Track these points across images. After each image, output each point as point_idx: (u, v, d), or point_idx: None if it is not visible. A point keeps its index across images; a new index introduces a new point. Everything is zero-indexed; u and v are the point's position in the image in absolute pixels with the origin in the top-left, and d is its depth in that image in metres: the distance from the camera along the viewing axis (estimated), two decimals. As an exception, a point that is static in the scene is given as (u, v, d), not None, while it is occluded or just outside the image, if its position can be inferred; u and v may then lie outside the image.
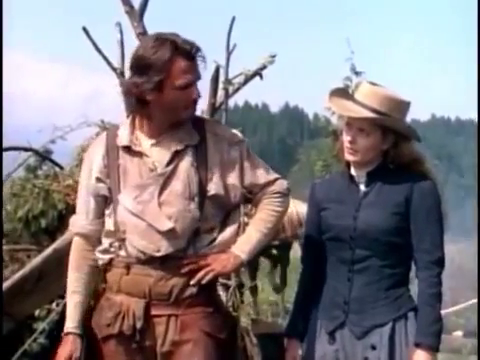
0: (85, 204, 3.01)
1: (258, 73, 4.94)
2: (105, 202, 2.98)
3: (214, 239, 2.96)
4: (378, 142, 3.01)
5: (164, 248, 2.88)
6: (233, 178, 2.98)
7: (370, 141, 3.00)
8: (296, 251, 9.76)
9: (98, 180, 2.97)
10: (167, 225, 2.87)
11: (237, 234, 3.02)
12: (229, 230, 2.99)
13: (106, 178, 2.96)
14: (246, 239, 3.01)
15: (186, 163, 2.92)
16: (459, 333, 9.39)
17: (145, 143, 2.95)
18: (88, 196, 3.00)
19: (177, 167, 2.92)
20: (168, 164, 2.92)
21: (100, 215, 2.99)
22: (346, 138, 3.02)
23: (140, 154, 2.94)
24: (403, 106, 3.05)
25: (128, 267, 2.92)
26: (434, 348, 2.93)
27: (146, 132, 2.97)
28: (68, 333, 2.99)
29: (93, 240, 3.01)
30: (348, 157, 3.04)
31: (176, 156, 2.93)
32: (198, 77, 2.92)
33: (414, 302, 3.01)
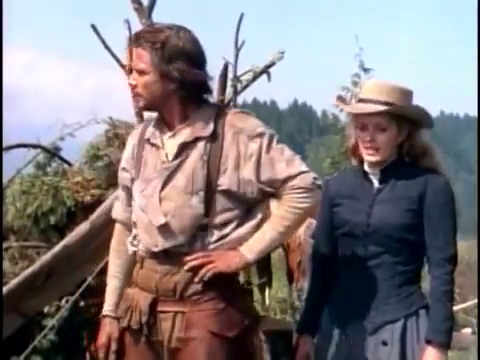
0: (119, 192, 3.07)
1: (267, 70, 4.94)
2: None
3: (226, 234, 2.87)
4: (395, 135, 2.99)
5: (160, 243, 2.86)
6: (249, 173, 2.84)
7: (388, 135, 2.98)
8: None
9: (123, 170, 3.01)
10: (160, 220, 2.84)
11: (255, 230, 2.89)
12: (246, 226, 2.88)
13: (131, 169, 2.97)
14: (258, 238, 2.87)
15: (194, 156, 2.85)
16: (468, 330, 9.36)
17: (165, 135, 2.92)
18: (120, 184, 3.05)
19: (185, 160, 2.86)
20: (176, 157, 2.87)
21: (130, 203, 3.00)
22: (365, 138, 2.98)
23: (157, 146, 2.92)
24: (408, 94, 3.04)
25: (142, 261, 2.93)
26: (445, 345, 2.93)
27: (166, 124, 2.93)
28: (104, 316, 3.03)
29: (129, 226, 3.01)
30: (370, 159, 3.00)
31: (185, 148, 2.87)
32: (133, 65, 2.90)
33: (426, 300, 3.00)
